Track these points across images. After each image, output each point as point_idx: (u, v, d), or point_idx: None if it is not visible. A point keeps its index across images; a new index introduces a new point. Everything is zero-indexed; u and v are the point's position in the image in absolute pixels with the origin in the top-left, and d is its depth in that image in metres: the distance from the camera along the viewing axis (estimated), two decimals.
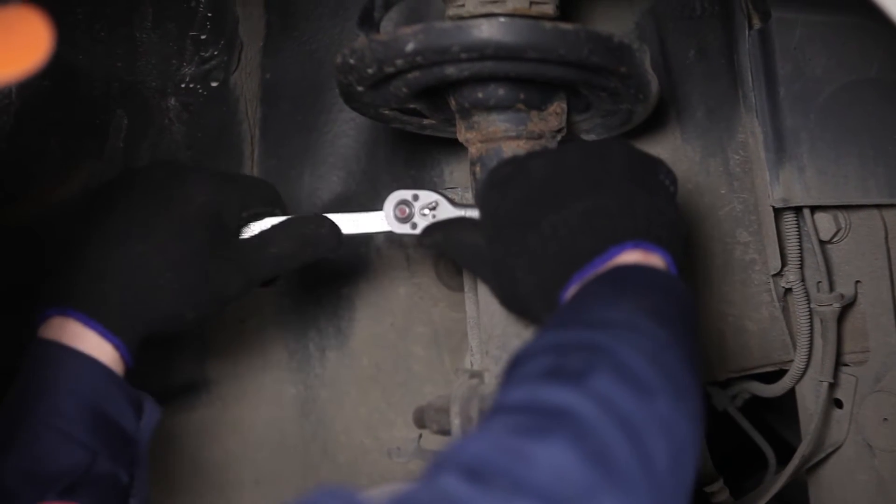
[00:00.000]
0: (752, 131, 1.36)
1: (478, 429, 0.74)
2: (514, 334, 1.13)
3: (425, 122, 1.25)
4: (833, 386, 1.43)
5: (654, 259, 0.93)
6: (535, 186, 0.98)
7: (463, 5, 1.09)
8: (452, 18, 1.09)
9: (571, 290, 0.93)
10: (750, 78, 1.35)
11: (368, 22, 1.11)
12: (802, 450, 1.43)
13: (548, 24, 0.99)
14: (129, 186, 1.09)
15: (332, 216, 1.15)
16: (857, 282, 1.42)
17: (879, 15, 0.75)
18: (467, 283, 1.21)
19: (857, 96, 1.32)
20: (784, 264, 1.39)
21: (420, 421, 1.17)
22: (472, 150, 1.14)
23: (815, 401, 1.43)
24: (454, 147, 1.30)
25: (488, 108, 1.11)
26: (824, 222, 1.40)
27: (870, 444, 1.44)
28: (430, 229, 1.11)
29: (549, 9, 1.09)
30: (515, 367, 0.81)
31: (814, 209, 1.38)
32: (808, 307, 1.40)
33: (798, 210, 1.38)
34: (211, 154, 1.38)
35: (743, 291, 1.39)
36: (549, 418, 0.72)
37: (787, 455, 1.47)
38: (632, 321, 0.82)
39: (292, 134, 1.42)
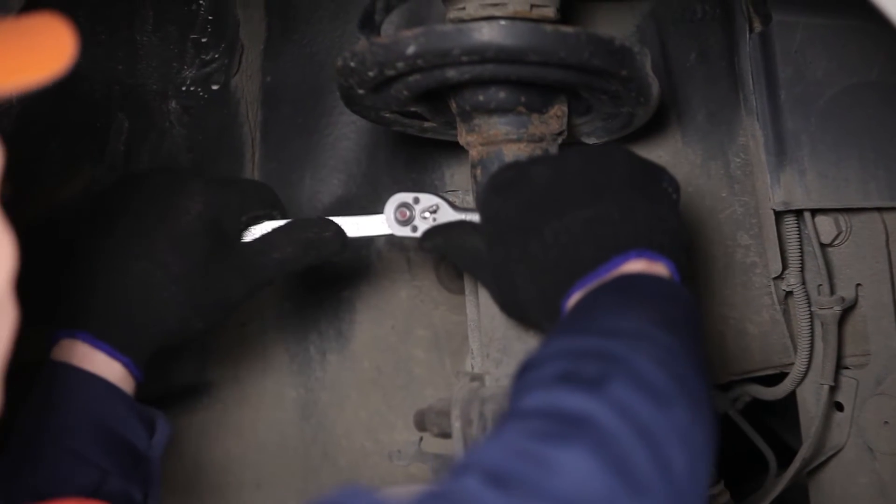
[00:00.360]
0: (753, 134, 1.36)
1: (496, 433, 0.74)
2: (514, 337, 1.13)
3: (426, 124, 1.25)
4: (834, 389, 1.43)
5: (658, 268, 0.93)
6: (537, 192, 0.98)
7: (464, 8, 1.09)
8: (453, 21, 1.09)
9: (573, 298, 0.93)
10: (751, 81, 1.35)
11: (369, 25, 1.11)
12: (803, 453, 1.43)
13: (549, 27, 0.99)
14: (126, 199, 1.10)
15: (333, 219, 1.15)
16: (858, 285, 1.42)
17: (880, 18, 0.75)
18: (468, 286, 1.21)
19: (857, 99, 1.32)
20: (785, 267, 1.39)
21: (421, 424, 1.17)
22: (473, 152, 1.14)
23: (815, 404, 1.43)
24: (455, 150, 1.30)
25: (489, 110, 1.11)
26: (825, 225, 1.39)
27: (870, 448, 1.44)
28: (430, 233, 1.11)
29: (549, 12, 1.09)
30: (527, 372, 0.81)
31: (815, 212, 1.38)
32: (809, 310, 1.40)
33: (799, 213, 1.38)
34: (212, 157, 1.38)
35: (744, 294, 1.39)
36: (569, 425, 0.71)
37: (788, 458, 1.47)
38: (643, 330, 0.81)
39: (293, 137, 1.42)
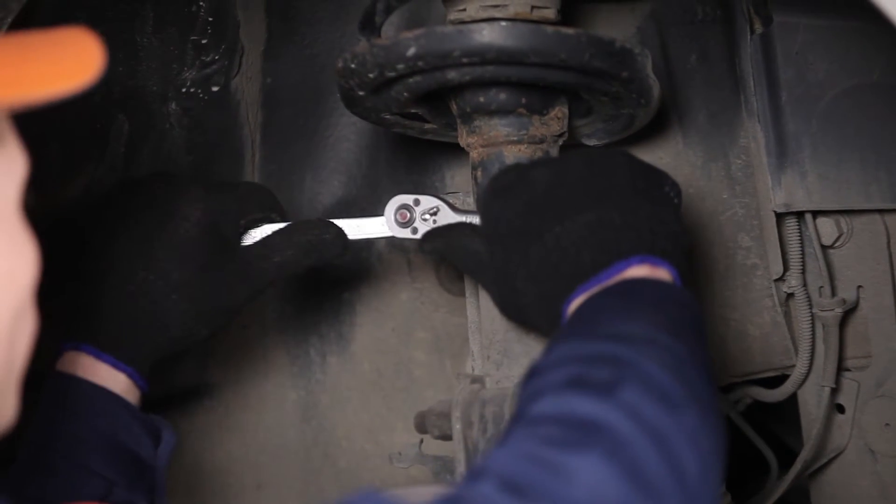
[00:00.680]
0: (754, 136, 1.36)
1: (509, 439, 0.73)
2: (515, 339, 1.13)
3: (426, 126, 1.25)
4: (835, 391, 1.43)
5: (660, 272, 0.92)
6: (538, 196, 0.97)
7: (464, 9, 1.09)
8: (454, 23, 1.09)
9: (575, 303, 0.93)
10: (752, 82, 1.35)
11: (370, 26, 1.11)
12: (804, 455, 1.43)
13: (549, 29, 0.99)
14: (124, 207, 1.10)
15: (333, 221, 1.15)
16: (859, 287, 1.42)
17: (881, 19, 0.75)
18: (468, 287, 1.21)
19: (859, 101, 1.32)
20: (786, 269, 1.39)
21: (421, 426, 1.17)
22: (474, 154, 1.14)
23: (816, 406, 1.43)
24: (455, 151, 1.30)
25: (490, 112, 1.10)
26: (826, 227, 1.39)
27: (872, 450, 1.44)
28: (431, 235, 1.11)
29: (550, 13, 1.09)
30: (535, 377, 0.80)
31: (816, 214, 1.38)
32: (810, 312, 1.40)
33: (800, 215, 1.38)
34: (212, 159, 1.38)
35: (745, 296, 1.39)
36: (583, 431, 0.71)
37: (789, 460, 1.47)
38: (650, 335, 0.81)
39: (293, 138, 1.42)
